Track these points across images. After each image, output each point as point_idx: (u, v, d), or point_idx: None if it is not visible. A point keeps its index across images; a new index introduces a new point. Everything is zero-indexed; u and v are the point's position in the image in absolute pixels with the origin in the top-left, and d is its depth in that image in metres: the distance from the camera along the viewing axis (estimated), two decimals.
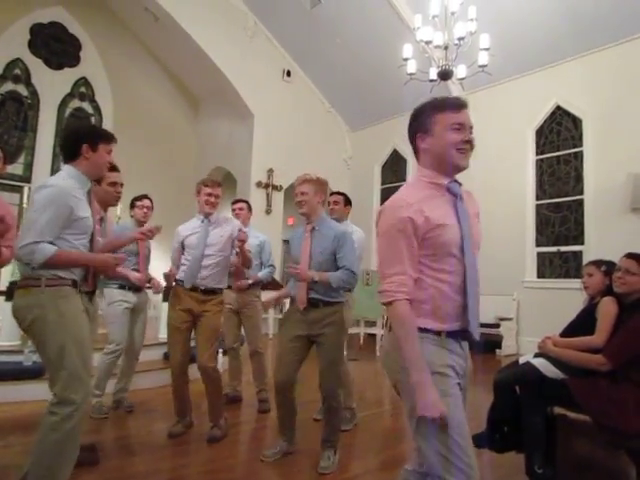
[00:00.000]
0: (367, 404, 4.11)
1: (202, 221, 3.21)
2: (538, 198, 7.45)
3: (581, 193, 6.91)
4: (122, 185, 3.01)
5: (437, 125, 1.48)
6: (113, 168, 2.88)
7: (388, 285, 1.41)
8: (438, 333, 1.45)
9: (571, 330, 2.61)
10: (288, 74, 9.39)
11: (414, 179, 1.57)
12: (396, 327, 1.41)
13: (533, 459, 2.40)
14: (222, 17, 8.51)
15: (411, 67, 5.39)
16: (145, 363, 4.47)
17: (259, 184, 8.97)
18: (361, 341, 7.42)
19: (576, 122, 7.08)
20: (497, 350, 7.04)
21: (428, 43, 5.19)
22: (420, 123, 1.52)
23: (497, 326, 7.13)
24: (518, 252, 7.43)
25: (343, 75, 9.17)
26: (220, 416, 3.13)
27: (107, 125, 9.64)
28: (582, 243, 6.82)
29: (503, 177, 7.69)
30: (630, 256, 2.50)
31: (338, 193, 3.72)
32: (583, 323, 2.55)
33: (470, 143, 1.48)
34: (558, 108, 7.28)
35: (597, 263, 2.68)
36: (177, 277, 3.20)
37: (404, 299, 1.40)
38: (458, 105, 1.49)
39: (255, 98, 8.92)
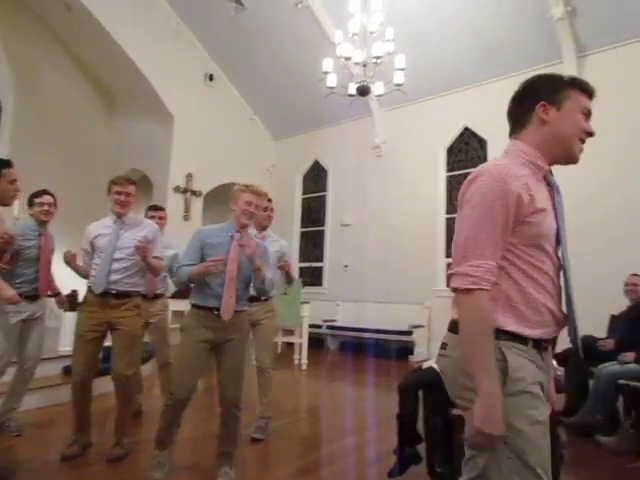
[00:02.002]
0: (283, 413, 4.09)
1: (114, 222, 3.03)
2: (448, 212, 7.94)
3: None
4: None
5: (570, 102, 1.28)
6: (7, 164, 2.64)
7: (471, 269, 1.15)
8: (524, 341, 1.20)
9: None
10: (211, 78, 9.22)
11: (510, 153, 1.31)
12: (473, 320, 1.15)
13: (434, 459, 2.53)
14: (143, 13, 8.17)
15: (331, 81, 5.53)
16: (41, 379, 4.09)
17: (177, 189, 8.68)
18: (279, 350, 7.39)
19: (482, 143, 7.67)
20: (410, 356, 7.34)
21: (348, 59, 5.36)
22: (549, 90, 1.29)
23: (410, 333, 7.45)
24: (430, 263, 7.85)
25: (267, 83, 9.18)
26: (126, 433, 2.96)
27: (7, 118, 8.83)
28: None
29: (417, 192, 8.11)
30: None
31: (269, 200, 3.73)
32: None
33: (590, 136, 1.31)
34: (466, 129, 7.85)
35: None
36: (88, 283, 3.00)
37: (486, 290, 1.15)
38: (592, 92, 1.31)
39: (175, 100, 8.64)
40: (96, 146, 9.93)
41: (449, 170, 8.02)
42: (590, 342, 4.07)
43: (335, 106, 7.26)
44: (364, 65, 5.52)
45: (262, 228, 3.62)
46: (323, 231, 9.52)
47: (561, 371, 2.78)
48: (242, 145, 9.73)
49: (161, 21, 8.51)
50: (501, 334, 1.18)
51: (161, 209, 4.01)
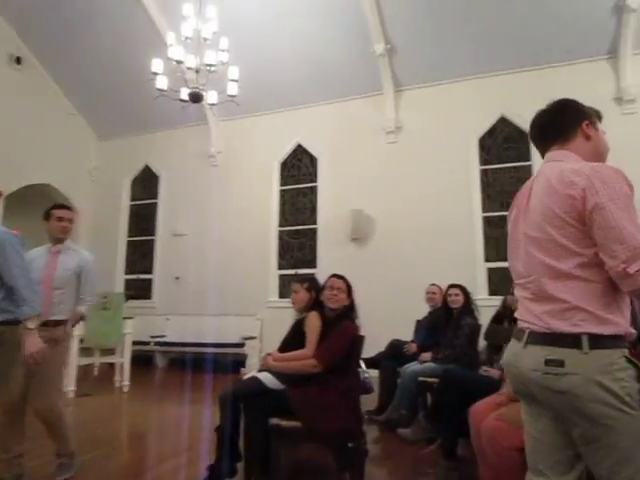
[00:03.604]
0: (96, 443, 3.64)
1: None
2: (281, 225, 8.18)
3: (315, 223, 7.91)
4: None
5: (599, 125, 1.49)
6: None
7: None
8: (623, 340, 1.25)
9: (286, 344, 2.88)
10: (18, 61, 7.97)
11: (567, 161, 1.39)
12: None
13: (251, 470, 2.51)
14: None
15: (161, 83, 5.26)
16: None
17: None
18: (96, 372, 6.65)
19: (313, 160, 8.12)
20: (242, 369, 7.28)
21: (180, 63, 5.17)
22: (588, 113, 1.47)
23: (242, 345, 7.41)
24: (262, 274, 7.96)
25: (91, 76, 8.32)
26: None
27: None
28: (315, 266, 7.76)
29: (252, 204, 8.18)
30: (338, 277, 2.92)
31: (69, 208, 3.26)
32: (295, 337, 2.85)
33: None
34: (299, 146, 8.23)
35: (301, 281, 3.04)
36: None
37: None
38: (601, 120, 1.53)
39: None
40: None
41: (283, 184, 8.29)
42: (397, 345, 4.57)
43: (169, 110, 6.91)
44: (197, 71, 5.38)
45: (56, 241, 3.10)
46: (153, 241, 8.95)
47: (368, 373, 3.03)
48: (58, 142, 8.61)
49: None
50: (621, 340, 1.23)
51: None
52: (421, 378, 3.82)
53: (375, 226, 7.38)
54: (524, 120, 6.90)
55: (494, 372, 2.94)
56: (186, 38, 5.14)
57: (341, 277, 2.91)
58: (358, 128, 7.67)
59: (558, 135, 1.46)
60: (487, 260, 6.86)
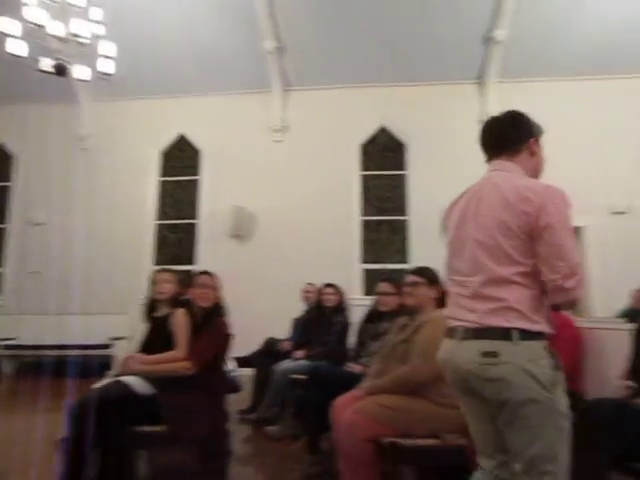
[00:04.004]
0: None
1: None
2: (160, 218, 7.72)
3: (196, 217, 7.61)
4: None
5: (540, 142, 1.61)
6: None
7: (582, 275, 1.38)
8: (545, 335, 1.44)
9: (150, 345, 2.67)
10: None
11: (515, 173, 1.52)
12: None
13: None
14: None
15: (13, 47, 4.52)
16: None
17: None
18: None
19: (196, 153, 7.80)
20: (108, 372, 6.70)
21: (40, 27, 4.54)
22: (536, 131, 1.59)
23: (109, 346, 6.85)
24: (135, 270, 7.42)
25: None
26: None
27: None
28: (194, 263, 7.46)
29: (126, 193, 7.61)
30: (208, 274, 2.82)
31: None
32: (158, 337, 2.65)
33: None
34: (182, 137, 7.85)
35: (173, 271, 2.89)
36: None
37: None
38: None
39: None
40: None
41: (163, 175, 7.84)
42: (273, 343, 4.55)
43: (30, 81, 6.10)
44: (65, 42, 4.79)
45: None
46: (4, 229, 7.88)
47: (236, 371, 2.95)
48: None
49: None
50: (544, 335, 1.40)
51: None
52: (293, 375, 3.83)
53: (257, 224, 7.31)
54: (401, 131, 7.37)
55: (357, 368, 3.05)
56: (51, 0, 4.54)
57: (210, 274, 2.81)
58: (244, 124, 7.54)
59: (509, 147, 1.57)
60: (363, 261, 7.20)
